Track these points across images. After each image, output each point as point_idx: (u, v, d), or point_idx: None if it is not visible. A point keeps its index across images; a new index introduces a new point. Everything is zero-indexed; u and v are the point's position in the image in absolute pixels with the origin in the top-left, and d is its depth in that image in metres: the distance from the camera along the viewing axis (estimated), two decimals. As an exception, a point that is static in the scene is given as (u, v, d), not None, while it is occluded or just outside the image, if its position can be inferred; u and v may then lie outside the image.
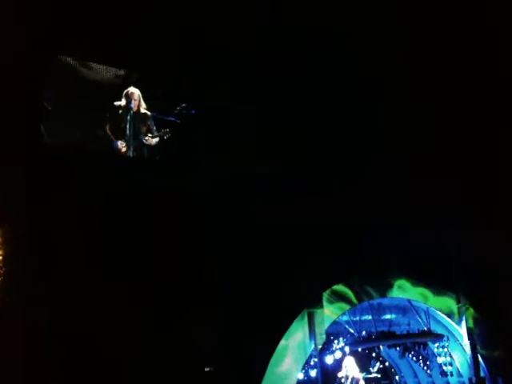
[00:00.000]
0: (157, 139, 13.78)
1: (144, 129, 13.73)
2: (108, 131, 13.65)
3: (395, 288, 17.23)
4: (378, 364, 18.85)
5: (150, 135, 13.75)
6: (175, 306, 13.52)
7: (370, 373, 18.60)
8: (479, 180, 17.15)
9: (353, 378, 17.51)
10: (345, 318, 17.62)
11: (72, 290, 12.47)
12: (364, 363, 18.67)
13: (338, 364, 17.38)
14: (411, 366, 19.92)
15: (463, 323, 17.63)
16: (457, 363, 18.09)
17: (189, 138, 14.46)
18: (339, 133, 16.73)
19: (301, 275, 15.33)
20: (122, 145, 13.59)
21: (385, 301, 17.70)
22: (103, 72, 13.89)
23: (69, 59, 13.62)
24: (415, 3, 16.18)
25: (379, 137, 16.68)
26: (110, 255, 13.09)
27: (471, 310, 17.71)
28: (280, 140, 16.01)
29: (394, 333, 17.82)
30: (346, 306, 16.69)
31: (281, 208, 15.11)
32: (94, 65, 13.83)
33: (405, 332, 17.92)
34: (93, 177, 13.11)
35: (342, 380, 17.63)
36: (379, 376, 19.30)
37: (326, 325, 16.16)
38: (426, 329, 17.76)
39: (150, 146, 13.74)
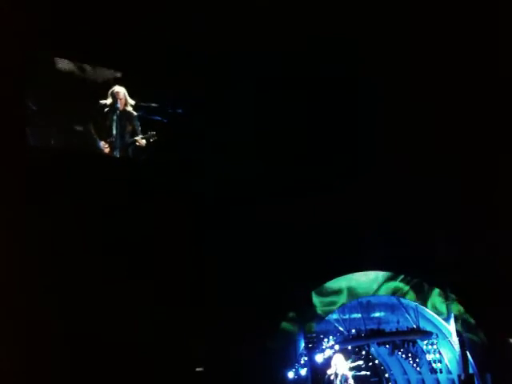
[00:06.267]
0: (144, 141, 13.68)
1: (129, 128, 13.64)
2: (92, 131, 13.56)
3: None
4: (357, 359, 18.73)
5: (139, 136, 13.67)
6: (174, 306, 13.51)
7: (359, 370, 18.59)
8: (479, 180, 17.21)
9: (342, 376, 17.54)
10: (334, 316, 17.64)
11: (69, 290, 12.43)
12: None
13: (328, 362, 17.43)
14: (401, 364, 19.92)
15: (452, 320, 17.73)
16: (446, 360, 18.16)
17: (179, 139, 14.38)
18: (339, 133, 16.76)
19: (291, 274, 15.36)
20: (106, 145, 13.50)
21: (374, 299, 17.76)
22: (89, 71, 13.81)
23: (54, 58, 13.52)
24: (416, 3, 16.22)
25: (379, 136, 16.71)
26: (107, 256, 13.03)
27: (460, 307, 17.83)
28: (279, 140, 15.99)
29: (384, 330, 17.85)
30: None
31: (276, 207, 15.11)
32: (79, 64, 13.75)
33: (394, 330, 17.95)
34: (82, 180, 12.99)
35: (332, 377, 17.64)
36: (368, 373, 19.33)
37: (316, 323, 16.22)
38: (414, 326, 17.82)
39: (135, 147, 13.65)
